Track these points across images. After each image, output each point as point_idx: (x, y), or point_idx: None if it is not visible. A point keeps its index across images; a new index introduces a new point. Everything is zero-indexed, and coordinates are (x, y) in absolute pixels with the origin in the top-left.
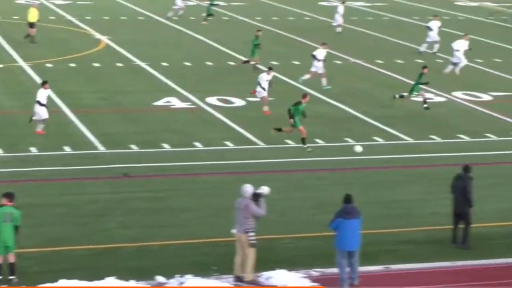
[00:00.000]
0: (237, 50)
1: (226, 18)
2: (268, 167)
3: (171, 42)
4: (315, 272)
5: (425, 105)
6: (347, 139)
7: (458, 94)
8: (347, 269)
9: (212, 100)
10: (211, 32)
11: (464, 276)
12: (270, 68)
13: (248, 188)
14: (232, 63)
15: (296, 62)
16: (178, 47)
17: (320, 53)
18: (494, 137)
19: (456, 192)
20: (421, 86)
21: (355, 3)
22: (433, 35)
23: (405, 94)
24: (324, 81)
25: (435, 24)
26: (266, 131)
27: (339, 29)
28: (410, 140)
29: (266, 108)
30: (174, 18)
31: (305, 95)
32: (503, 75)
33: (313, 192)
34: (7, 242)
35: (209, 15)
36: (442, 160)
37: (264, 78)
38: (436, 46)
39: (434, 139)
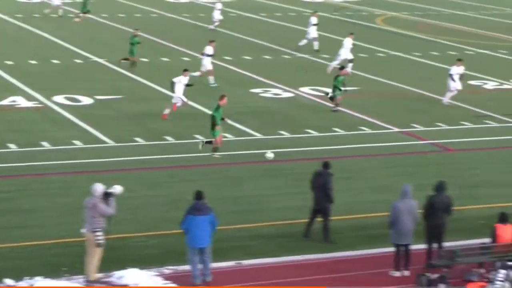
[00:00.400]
0: (83, 47)
1: (71, 15)
2: (118, 165)
3: (15, 40)
4: (167, 269)
5: (333, 108)
6: (196, 135)
7: (306, 89)
8: (200, 266)
9: (59, 98)
10: (56, 30)
11: (312, 269)
12: (185, 70)
13: (98, 187)
14: (79, 61)
15: (144, 60)
16: (22, 45)
17: (209, 49)
18: (341, 132)
19: (315, 188)
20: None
21: (202, 0)
22: (312, 32)
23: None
24: (211, 79)
25: (313, 21)
26: (115, 129)
27: (214, 25)
28: (259, 135)
29: (173, 106)
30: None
31: (222, 96)
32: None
33: (164, 189)
34: None
35: (85, 11)
36: (291, 155)
37: (183, 82)
38: (316, 44)
39: (283, 135)
